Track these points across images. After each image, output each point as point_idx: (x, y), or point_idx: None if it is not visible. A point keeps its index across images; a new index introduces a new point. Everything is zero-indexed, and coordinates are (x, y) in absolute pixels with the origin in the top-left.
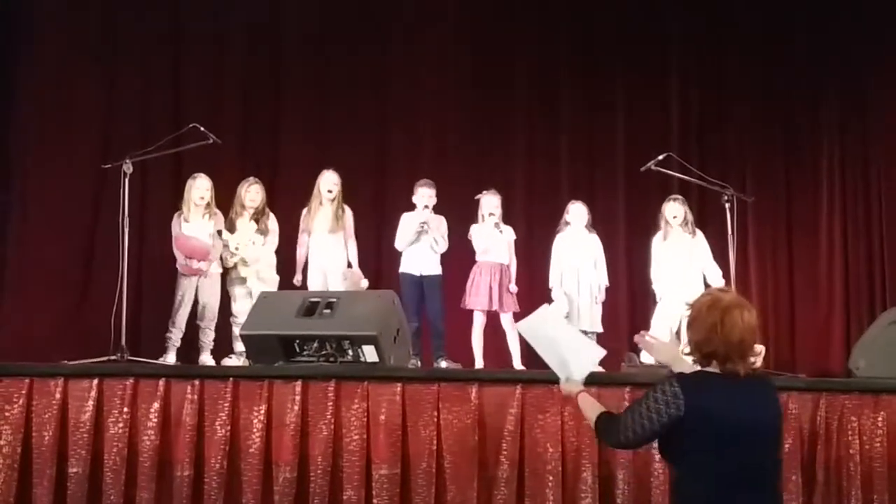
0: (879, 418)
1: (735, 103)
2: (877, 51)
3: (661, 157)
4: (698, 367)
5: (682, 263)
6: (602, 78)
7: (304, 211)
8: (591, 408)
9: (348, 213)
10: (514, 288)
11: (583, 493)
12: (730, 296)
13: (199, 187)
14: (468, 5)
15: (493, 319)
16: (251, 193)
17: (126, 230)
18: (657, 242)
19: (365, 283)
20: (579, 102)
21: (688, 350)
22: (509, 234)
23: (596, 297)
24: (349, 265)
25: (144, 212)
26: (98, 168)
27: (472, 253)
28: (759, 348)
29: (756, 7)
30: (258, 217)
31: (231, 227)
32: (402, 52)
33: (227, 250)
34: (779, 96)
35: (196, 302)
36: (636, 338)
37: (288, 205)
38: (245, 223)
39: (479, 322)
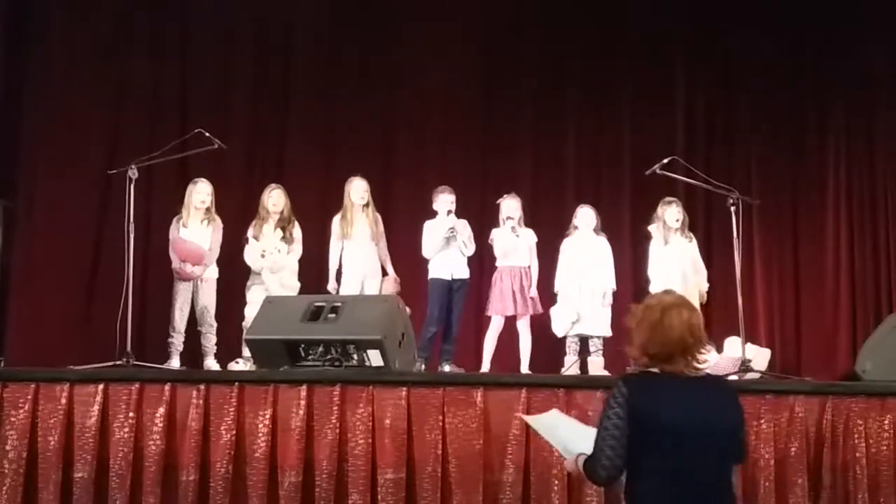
0: (886, 421)
1: (740, 106)
2: (882, 52)
3: (665, 161)
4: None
5: (680, 267)
6: (608, 82)
7: (337, 217)
8: (580, 459)
9: (380, 219)
10: (534, 292)
11: (588, 498)
12: (671, 297)
13: (200, 192)
14: (477, 12)
15: (506, 322)
16: (273, 198)
17: (132, 235)
18: (657, 247)
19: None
20: (586, 106)
21: (636, 354)
22: (529, 236)
23: (604, 301)
24: (384, 272)
25: (150, 217)
26: (104, 173)
27: (483, 258)
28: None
29: (761, 12)
30: (284, 225)
31: (257, 233)
32: (410, 58)
33: (254, 255)
34: (784, 99)
35: (194, 306)
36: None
37: (293, 209)
38: (270, 229)
39: (496, 325)
